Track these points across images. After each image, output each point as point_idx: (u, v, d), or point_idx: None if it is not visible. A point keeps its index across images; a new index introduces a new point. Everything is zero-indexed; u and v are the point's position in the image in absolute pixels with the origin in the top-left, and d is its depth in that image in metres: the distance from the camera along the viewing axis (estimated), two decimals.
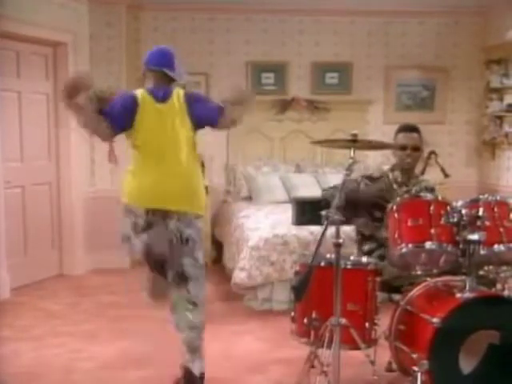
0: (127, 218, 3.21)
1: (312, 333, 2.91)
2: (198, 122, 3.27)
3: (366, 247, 3.54)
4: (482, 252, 2.78)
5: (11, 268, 4.94)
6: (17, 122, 5.19)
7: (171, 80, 3.28)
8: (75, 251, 5.74)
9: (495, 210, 2.86)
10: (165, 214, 3.13)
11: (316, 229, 4.39)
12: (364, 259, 3.15)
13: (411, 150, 3.48)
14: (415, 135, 3.52)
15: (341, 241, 2.76)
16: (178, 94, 3.27)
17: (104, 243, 5.80)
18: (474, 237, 2.76)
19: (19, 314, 4.53)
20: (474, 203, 2.87)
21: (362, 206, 3.50)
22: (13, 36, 4.92)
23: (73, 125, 5.55)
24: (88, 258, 5.80)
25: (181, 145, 3.19)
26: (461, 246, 2.82)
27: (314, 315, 2.91)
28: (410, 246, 2.85)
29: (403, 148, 3.48)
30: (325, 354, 2.83)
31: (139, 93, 3.25)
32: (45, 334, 4.12)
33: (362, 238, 3.60)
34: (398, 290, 3.17)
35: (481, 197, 2.91)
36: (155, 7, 6.19)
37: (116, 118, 3.17)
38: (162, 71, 3.27)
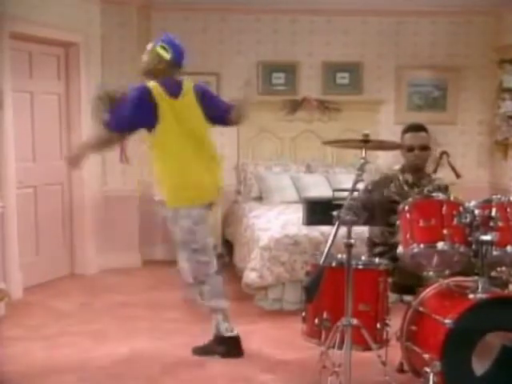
0: (184, 222, 3.42)
1: (323, 333, 2.90)
2: (210, 117, 3.47)
3: (377, 250, 3.52)
4: (495, 253, 2.77)
5: (23, 267, 4.97)
6: (29, 122, 5.23)
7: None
8: (87, 251, 5.76)
9: (508, 210, 2.84)
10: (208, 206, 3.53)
11: (327, 229, 4.37)
12: (375, 259, 3.14)
13: (419, 149, 3.43)
14: (423, 134, 3.46)
15: (352, 241, 2.75)
16: (188, 86, 3.45)
17: (116, 243, 5.83)
18: (487, 237, 2.75)
19: (31, 313, 4.56)
20: (486, 204, 2.86)
21: (378, 213, 3.47)
22: (25, 37, 4.96)
23: (84, 125, 5.63)
24: (99, 257, 5.82)
25: (203, 138, 3.45)
26: (473, 246, 2.81)
27: (325, 315, 2.90)
28: (422, 246, 2.84)
29: (410, 149, 3.43)
30: (336, 354, 2.82)
31: (153, 89, 3.36)
32: (56, 333, 4.13)
33: (373, 244, 3.58)
34: (409, 291, 3.16)
35: (493, 197, 2.89)
36: (166, 7, 6.21)
37: (135, 120, 3.37)
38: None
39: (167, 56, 3.45)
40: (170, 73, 3.45)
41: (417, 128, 3.48)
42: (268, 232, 4.66)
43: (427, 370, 2.64)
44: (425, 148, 3.45)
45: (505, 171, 6.43)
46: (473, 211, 2.84)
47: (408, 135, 3.46)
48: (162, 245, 6.39)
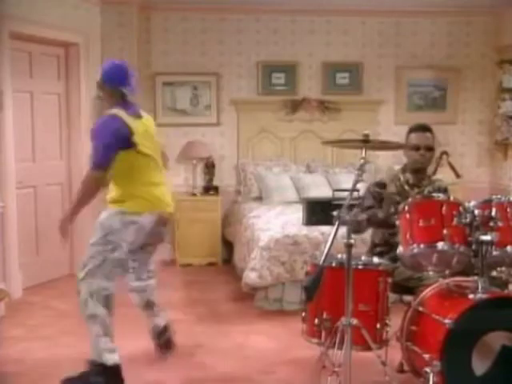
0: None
1: (323, 333, 2.90)
2: None
3: (378, 249, 3.52)
4: (495, 253, 2.77)
5: (23, 267, 4.97)
6: (29, 121, 5.23)
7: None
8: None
9: (508, 210, 2.84)
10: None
11: (327, 229, 4.38)
12: (375, 259, 3.14)
13: (424, 150, 3.43)
14: (428, 135, 3.46)
15: (352, 241, 2.75)
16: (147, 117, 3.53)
17: None
18: (487, 237, 2.74)
19: (31, 313, 4.56)
20: (486, 204, 2.85)
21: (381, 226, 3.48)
22: (25, 37, 4.96)
23: (84, 125, 5.63)
24: None
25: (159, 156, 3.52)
26: (473, 246, 2.80)
27: (325, 315, 2.90)
28: (422, 246, 2.83)
29: (416, 148, 3.43)
30: (336, 354, 2.82)
31: (125, 119, 3.26)
32: (56, 333, 4.13)
33: (374, 244, 3.57)
34: (409, 291, 3.16)
35: (493, 197, 2.89)
36: (166, 8, 6.21)
37: (112, 157, 3.38)
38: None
39: (99, 82, 3.36)
40: (117, 96, 3.31)
41: (423, 128, 3.48)
42: (268, 232, 4.66)
43: (427, 369, 2.64)
44: (430, 149, 3.45)
45: (505, 171, 6.43)
46: (473, 211, 2.83)
47: (414, 135, 3.46)
48: (161, 244, 6.37)
